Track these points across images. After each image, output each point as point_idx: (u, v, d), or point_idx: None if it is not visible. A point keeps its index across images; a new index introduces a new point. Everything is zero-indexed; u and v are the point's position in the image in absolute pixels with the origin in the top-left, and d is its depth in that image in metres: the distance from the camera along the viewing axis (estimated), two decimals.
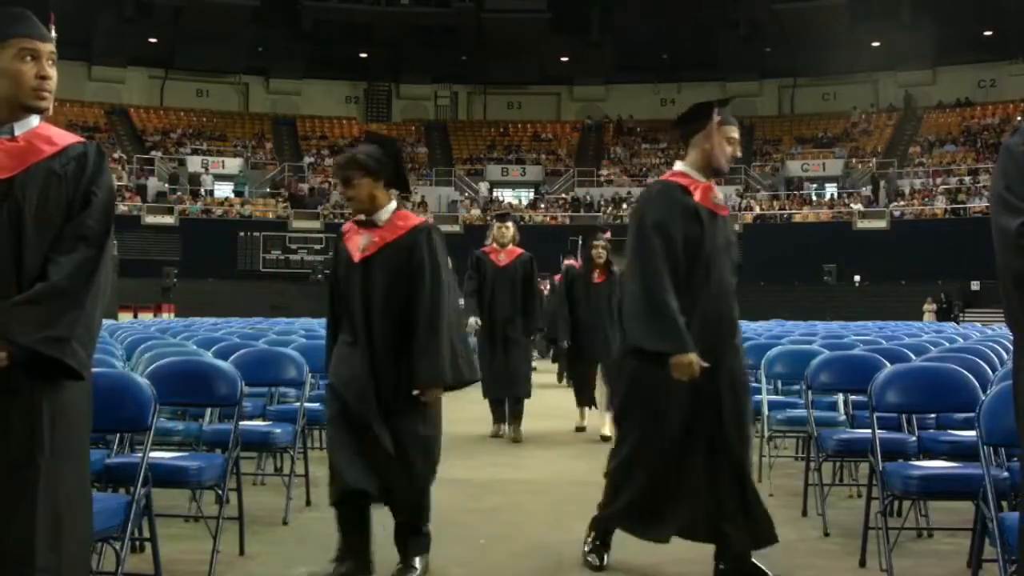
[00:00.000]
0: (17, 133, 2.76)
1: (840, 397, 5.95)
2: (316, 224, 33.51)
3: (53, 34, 2.93)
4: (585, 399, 9.03)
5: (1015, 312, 2.56)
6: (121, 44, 37.27)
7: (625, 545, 4.48)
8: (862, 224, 32.31)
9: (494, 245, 8.56)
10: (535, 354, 13.46)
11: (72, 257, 2.67)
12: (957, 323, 22.02)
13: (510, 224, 8.65)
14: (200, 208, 33.66)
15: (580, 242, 9.68)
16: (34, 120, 2.81)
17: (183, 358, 5.05)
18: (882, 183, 33.95)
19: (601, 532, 4.41)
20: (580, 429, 8.92)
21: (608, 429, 7.84)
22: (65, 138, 2.83)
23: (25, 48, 2.72)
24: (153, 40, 38.13)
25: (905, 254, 29.89)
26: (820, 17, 36.66)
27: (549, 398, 11.39)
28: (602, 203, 35.02)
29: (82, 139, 2.89)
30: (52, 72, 2.78)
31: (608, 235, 9.02)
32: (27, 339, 2.56)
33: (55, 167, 2.75)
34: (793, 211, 34.15)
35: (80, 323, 2.64)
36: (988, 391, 4.01)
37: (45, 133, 2.81)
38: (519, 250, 8.57)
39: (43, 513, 2.58)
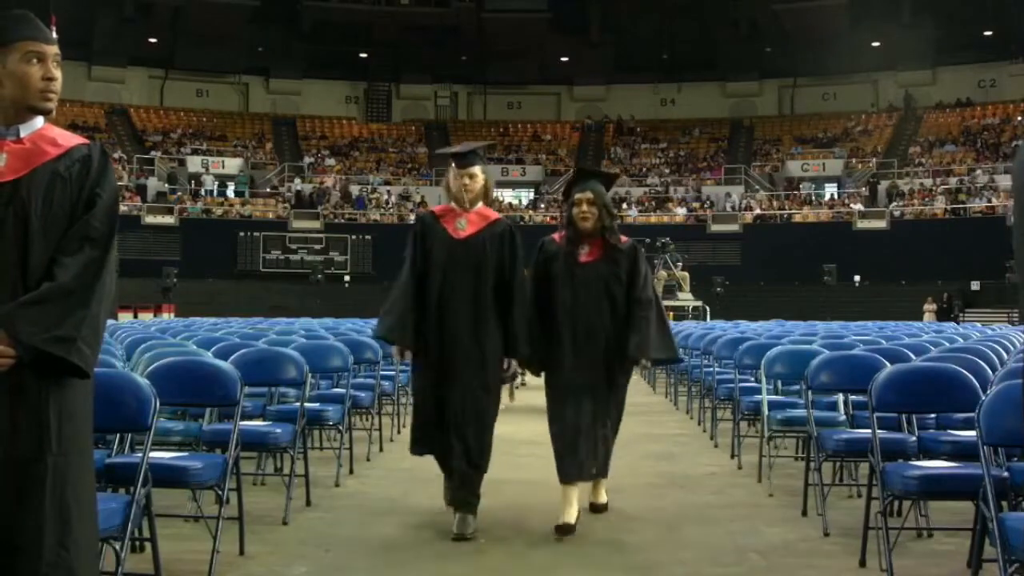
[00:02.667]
0: (23, 135, 2.78)
1: (840, 397, 5.95)
2: (316, 224, 33.51)
3: (54, 35, 2.95)
4: (575, 467, 4.95)
5: None
6: (121, 44, 37.29)
7: (642, 546, 4.48)
8: (862, 224, 32.32)
9: (452, 205, 5.15)
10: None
11: (78, 258, 2.70)
12: (957, 323, 22.02)
13: (477, 170, 5.10)
14: (200, 208, 33.67)
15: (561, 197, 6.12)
16: (39, 122, 2.83)
17: (183, 358, 5.05)
18: (880, 185, 33.97)
19: None
20: (564, 529, 4.88)
21: (603, 496, 5.48)
22: (69, 139, 2.85)
23: (31, 50, 2.75)
24: (153, 40, 38.15)
25: (905, 254, 29.92)
26: (820, 17, 36.67)
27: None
28: None
29: (86, 140, 2.91)
30: (57, 74, 2.80)
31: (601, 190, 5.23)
32: (34, 339, 2.59)
33: (60, 169, 2.77)
34: (793, 211, 34.16)
35: (86, 323, 2.66)
36: (988, 391, 4.01)
37: (49, 135, 2.83)
38: (493, 214, 5.18)
39: (51, 509, 2.61)
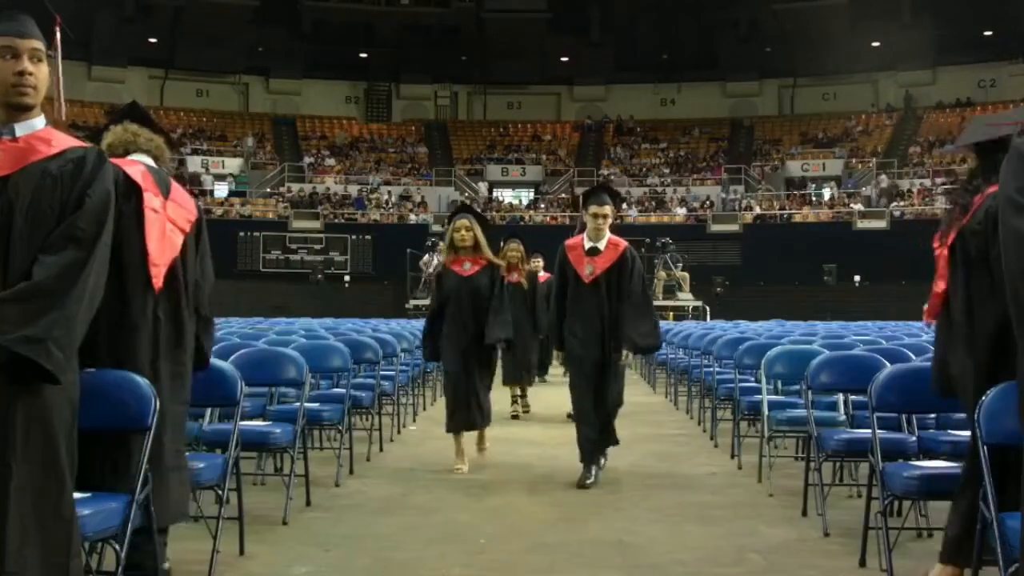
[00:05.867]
0: (19, 134, 2.75)
1: (840, 397, 5.95)
2: (316, 224, 33.52)
3: (58, 39, 2.91)
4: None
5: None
6: (121, 44, 37.28)
7: (649, 547, 4.48)
8: (862, 224, 32.32)
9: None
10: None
11: (59, 258, 2.63)
12: None
13: None
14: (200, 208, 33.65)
15: None
16: (38, 122, 2.79)
17: None
18: (879, 185, 33.99)
19: None
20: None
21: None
22: (67, 141, 2.81)
23: (3, 46, 2.71)
24: (153, 40, 38.15)
25: (905, 254, 29.81)
26: (820, 17, 36.67)
27: (547, 397, 11.37)
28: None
29: (85, 144, 2.86)
30: (35, 68, 2.74)
31: None
32: (2, 338, 2.51)
33: (51, 168, 2.72)
34: (793, 211, 34.16)
35: (59, 325, 2.58)
36: (988, 391, 4.00)
37: (47, 136, 2.79)
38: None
39: (14, 516, 2.54)
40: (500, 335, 6.84)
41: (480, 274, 6.90)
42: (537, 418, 10.12)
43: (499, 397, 9.29)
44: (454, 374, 6.93)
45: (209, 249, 3.93)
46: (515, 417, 9.85)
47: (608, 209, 6.45)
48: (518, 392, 10.26)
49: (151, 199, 3.57)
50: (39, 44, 2.77)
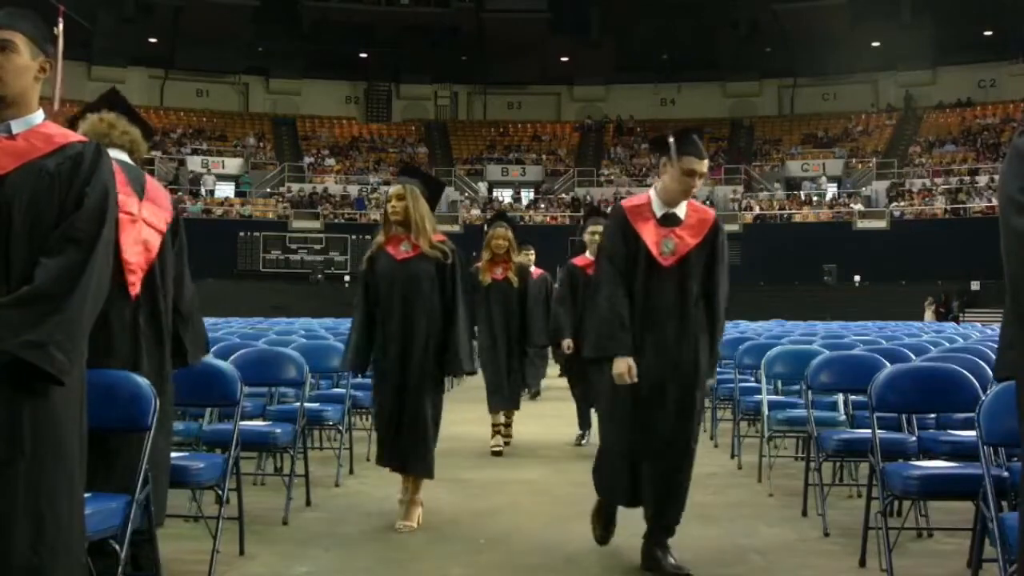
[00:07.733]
0: (15, 131, 2.72)
1: (840, 397, 5.96)
2: (316, 224, 33.53)
3: (60, 30, 2.87)
4: None
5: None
6: (121, 44, 37.28)
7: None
8: (862, 224, 32.33)
9: None
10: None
11: (59, 260, 2.62)
12: (957, 323, 22.01)
13: None
14: (200, 208, 33.67)
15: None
16: (36, 118, 2.76)
17: None
18: (878, 184, 34.01)
19: None
20: None
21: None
22: (66, 137, 2.78)
23: None
24: (153, 40, 38.15)
25: (905, 254, 29.92)
26: (820, 17, 36.68)
27: (549, 399, 11.37)
28: (603, 203, 35.05)
29: (83, 138, 2.83)
30: (2, 58, 2.68)
31: None
32: (5, 344, 2.52)
33: (49, 166, 2.70)
34: (793, 211, 34.16)
35: (60, 328, 2.58)
36: (988, 391, 4.01)
37: (45, 131, 2.76)
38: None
39: (23, 513, 2.54)
40: (464, 368, 5.15)
41: (420, 258, 5.14)
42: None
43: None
44: (384, 391, 5.15)
45: (186, 247, 3.83)
46: (496, 454, 7.72)
47: (706, 166, 4.31)
48: (502, 421, 8.04)
49: (126, 202, 3.46)
50: (9, 34, 2.71)
